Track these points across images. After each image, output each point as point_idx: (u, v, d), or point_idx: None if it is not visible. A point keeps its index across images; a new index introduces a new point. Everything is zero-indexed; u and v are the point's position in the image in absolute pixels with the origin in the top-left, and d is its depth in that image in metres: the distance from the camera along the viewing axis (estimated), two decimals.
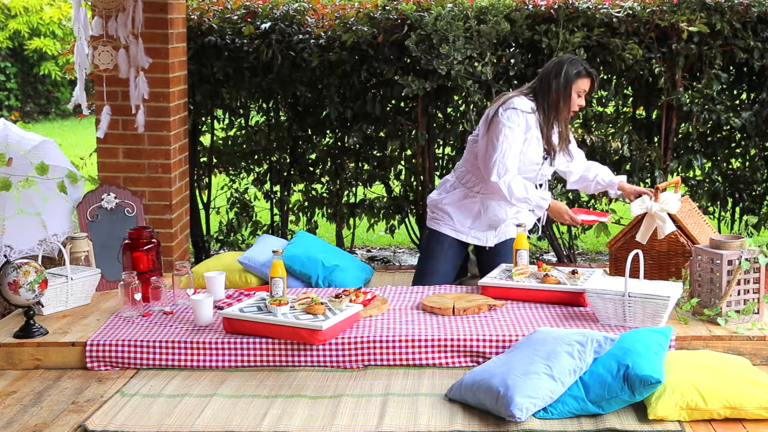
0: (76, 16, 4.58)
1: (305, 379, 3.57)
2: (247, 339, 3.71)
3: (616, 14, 5.17)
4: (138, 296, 4.04)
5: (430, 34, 5.12)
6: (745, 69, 5.42)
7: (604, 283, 3.90)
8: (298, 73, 5.51)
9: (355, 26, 5.37)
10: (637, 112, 5.64)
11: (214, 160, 5.96)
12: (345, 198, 5.94)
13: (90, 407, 3.35)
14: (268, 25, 5.45)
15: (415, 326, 3.81)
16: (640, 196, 4.37)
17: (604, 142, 5.45)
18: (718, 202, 5.67)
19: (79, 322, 4.04)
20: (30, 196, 4.48)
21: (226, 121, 5.96)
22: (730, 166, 5.69)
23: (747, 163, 5.64)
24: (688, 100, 5.25)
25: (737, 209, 5.76)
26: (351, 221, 6.04)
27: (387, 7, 5.38)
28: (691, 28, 5.08)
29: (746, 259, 3.73)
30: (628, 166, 5.46)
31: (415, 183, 5.76)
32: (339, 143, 5.80)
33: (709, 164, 5.58)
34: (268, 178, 5.97)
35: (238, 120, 5.99)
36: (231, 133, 6.02)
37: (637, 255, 3.81)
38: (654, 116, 5.57)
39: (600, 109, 5.54)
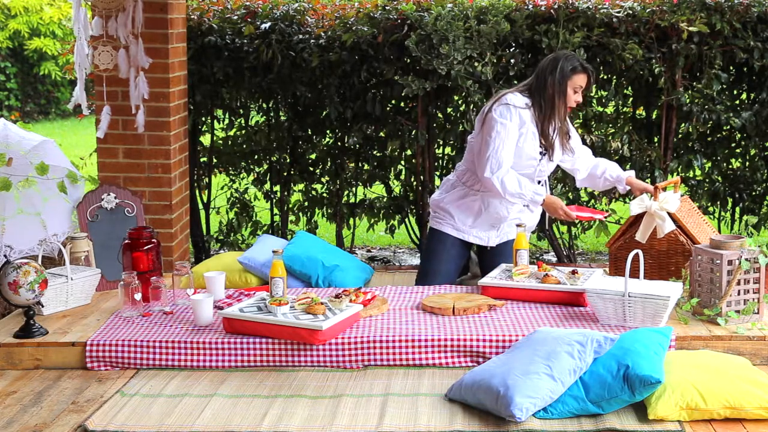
0: (76, 16, 4.59)
1: (305, 379, 3.57)
2: (247, 339, 3.71)
3: (616, 14, 5.17)
4: (138, 296, 4.04)
5: (430, 34, 5.12)
6: (745, 69, 5.42)
7: (604, 283, 3.90)
8: (298, 73, 5.51)
9: (355, 26, 5.37)
10: (637, 112, 5.64)
11: (214, 160, 5.96)
12: (345, 198, 5.94)
13: (90, 407, 3.35)
14: (268, 25, 5.45)
15: (415, 326, 3.81)
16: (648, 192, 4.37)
17: (604, 142, 5.45)
18: (718, 202, 5.68)
19: (79, 322, 4.04)
20: (30, 196, 4.48)
21: (226, 121, 5.96)
22: (730, 166, 5.69)
23: (747, 163, 5.64)
24: (688, 100, 5.25)
25: (737, 209, 5.76)
26: (351, 221, 6.04)
27: (387, 7, 5.38)
28: (691, 28, 5.08)
29: (746, 259, 3.73)
30: (628, 166, 5.45)
31: (415, 183, 5.76)
32: (339, 143, 5.80)
33: (709, 164, 5.58)
34: (268, 178, 5.97)
35: (238, 120, 5.99)
36: (231, 133, 6.02)
37: (637, 255, 3.81)
38: (654, 116, 5.57)
39: (600, 109, 5.55)
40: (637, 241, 4.25)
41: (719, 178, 5.61)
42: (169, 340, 3.74)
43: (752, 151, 5.61)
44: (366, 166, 5.84)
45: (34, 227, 4.50)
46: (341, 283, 4.57)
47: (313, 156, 5.89)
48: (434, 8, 5.16)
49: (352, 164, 5.87)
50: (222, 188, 6.13)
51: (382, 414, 3.22)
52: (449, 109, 5.69)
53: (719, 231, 5.70)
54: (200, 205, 5.98)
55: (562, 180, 5.46)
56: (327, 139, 5.88)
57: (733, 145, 5.62)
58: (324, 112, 5.64)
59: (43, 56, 13.97)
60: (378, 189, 6.08)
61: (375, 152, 5.80)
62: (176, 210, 5.08)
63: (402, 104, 5.64)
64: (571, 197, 5.58)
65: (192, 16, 5.52)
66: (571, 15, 5.19)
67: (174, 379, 3.61)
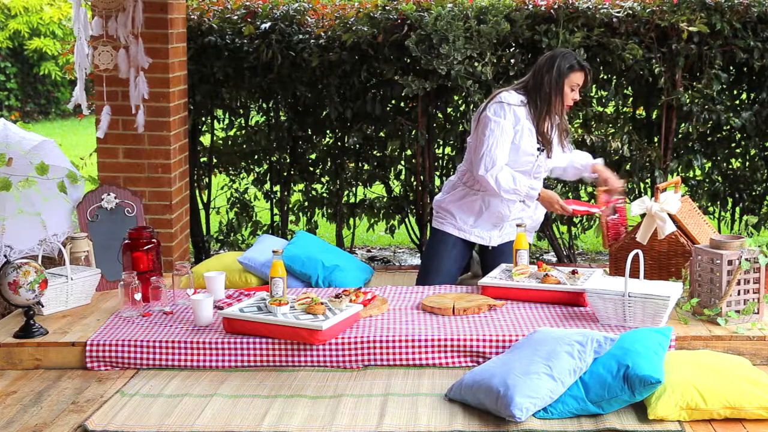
0: (76, 16, 4.59)
1: (305, 379, 3.57)
2: (247, 339, 3.71)
3: (616, 14, 5.17)
4: (138, 296, 4.04)
5: (430, 34, 5.12)
6: (745, 69, 5.42)
7: (604, 283, 3.90)
8: (298, 73, 5.51)
9: (355, 26, 5.37)
10: (637, 112, 5.64)
11: (214, 160, 5.96)
12: (345, 198, 5.94)
13: (90, 407, 3.35)
14: (268, 25, 5.45)
15: (415, 326, 3.81)
16: (609, 191, 4.48)
17: (604, 142, 5.45)
18: (718, 202, 5.67)
19: (79, 322, 4.03)
20: (30, 196, 4.47)
21: (226, 121, 5.96)
22: (730, 166, 5.69)
23: (747, 163, 5.64)
24: (688, 100, 5.25)
25: (737, 209, 5.76)
26: (351, 221, 6.04)
27: (387, 7, 5.38)
28: (691, 28, 5.08)
29: (746, 259, 3.73)
30: (628, 166, 5.46)
31: (415, 183, 5.76)
32: (339, 143, 5.80)
33: (709, 164, 5.58)
34: (268, 178, 5.97)
35: (238, 120, 5.98)
36: (231, 133, 6.01)
37: (637, 255, 3.81)
38: (654, 116, 5.56)
39: (600, 109, 5.54)
40: (637, 242, 4.25)
41: (719, 178, 5.61)
42: (169, 340, 3.74)
43: (752, 151, 5.61)
44: (366, 166, 5.84)
45: (34, 227, 4.49)
46: (341, 283, 4.57)
47: (313, 156, 5.89)
48: (434, 8, 5.16)
49: (352, 164, 5.87)
50: (222, 188, 6.13)
51: (382, 414, 3.22)
52: (449, 109, 5.69)
53: (719, 231, 5.70)
54: (200, 205, 5.98)
55: (561, 180, 5.46)
56: (327, 139, 5.87)
57: (733, 145, 5.61)
58: (324, 112, 5.64)
59: (43, 56, 13.97)
60: (378, 189, 6.08)
61: (375, 152, 5.80)
62: (176, 210, 5.08)
63: (402, 104, 5.64)
64: (570, 196, 5.58)
65: (192, 16, 5.52)
66: (571, 15, 5.19)
67: (174, 379, 3.61)
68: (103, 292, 4.49)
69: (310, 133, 5.82)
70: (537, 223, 4.68)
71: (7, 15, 13.69)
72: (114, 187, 4.67)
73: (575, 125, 5.53)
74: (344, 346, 3.68)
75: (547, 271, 4.20)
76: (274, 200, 6.00)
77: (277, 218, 6.03)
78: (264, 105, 5.88)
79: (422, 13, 5.21)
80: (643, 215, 4.26)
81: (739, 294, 3.79)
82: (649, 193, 5.58)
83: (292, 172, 5.89)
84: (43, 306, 4.08)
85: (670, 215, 4.19)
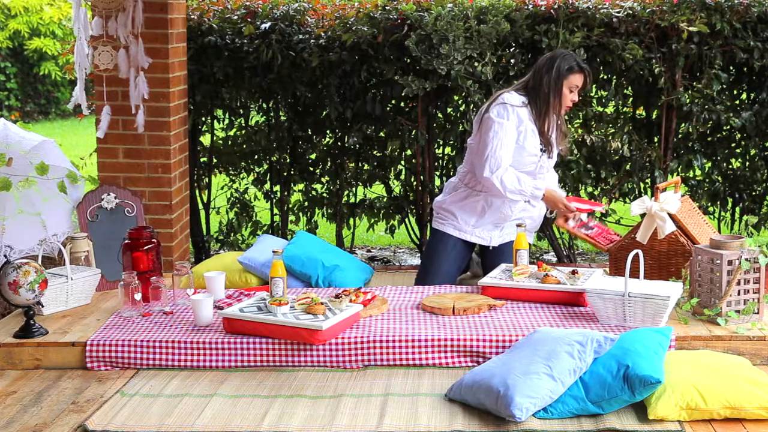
0: (76, 16, 4.59)
1: (305, 379, 3.57)
2: (247, 339, 3.71)
3: (616, 14, 5.17)
4: (138, 296, 4.04)
5: (430, 34, 5.12)
6: (745, 69, 5.42)
7: (604, 283, 3.90)
8: (298, 73, 5.51)
9: (355, 26, 5.37)
10: (637, 112, 5.64)
11: (214, 160, 5.96)
12: (345, 198, 5.94)
13: (90, 407, 3.35)
14: (268, 25, 5.45)
15: (415, 326, 3.81)
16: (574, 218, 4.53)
17: (604, 142, 5.46)
18: (718, 202, 5.67)
19: (79, 322, 4.03)
20: (30, 196, 4.47)
21: (226, 121, 5.96)
22: (730, 166, 5.69)
23: (747, 163, 5.64)
24: (688, 100, 5.25)
25: (737, 209, 5.76)
26: (351, 221, 6.04)
27: (387, 7, 5.38)
28: (691, 28, 5.08)
29: (746, 259, 3.73)
30: (628, 166, 5.47)
31: (415, 183, 5.76)
32: (339, 143, 5.80)
33: (709, 164, 5.58)
34: (268, 178, 5.97)
35: (238, 120, 5.98)
36: (231, 133, 6.01)
37: (637, 255, 3.81)
38: (654, 116, 5.56)
39: (600, 109, 5.54)
40: (637, 242, 4.25)
41: (719, 178, 5.61)
42: (169, 340, 3.74)
43: (752, 151, 5.61)
44: (366, 166, 5.84)
45: (34, 227, 4.49)
46: (341, 283, 4.57)
47: (313, 156, 5.89)
48: (434, 8, 5.16)
49: (352, 164, 5.87)
50: (222, 188, 6.13)
51: (382, 414, 3.22)
52: (449, 109, 5.69)
53: (719, 231, 5.70)
54: (200, 205, 5.98)
55: (562, 180, 5.46)
56: (327, 139, 5.87)
57: (733, 145, 5.61)
58: (324, 112, 5.64)
59: (43, 56, 13.97)
60: (378, 189, 6.08)
61: (375, 152, 5.80)
62: (176, 210, 5.08)
63: (402, 104, 5.64)
64: (570, 194, 5.58)
65: (192, 16, 5.52)
66: (571, 15, 5.19)
67: (174, 379, 3.61)
68: (103, 292, 4.49)
69: (310, 133, 5.82)
70: (537, 223, 4.68)
71: (7, 15, 13.70)
72: (114, 187, 4.67)
73: (575, 125, 5.53)
74: (344, 346, 3.68)
75: (547, 271, 4.20)
76: (274, 200, 6.00)
77: (277, 218, 6.03)
78: (264, 105, 5.88)
79: (422, 13, 5.21)
80: (643, 215, 4.26)
81: (739, 294, 3.79)
82: (649, 193, 5.58)
83: (292, 172, 5.89)
84: (43, 306, 4.08)
85: (670, 215, 4.19)
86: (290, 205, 5.99)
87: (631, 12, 5.18)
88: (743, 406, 3.12)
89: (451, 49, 5.08)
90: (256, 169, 5.99)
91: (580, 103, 5.19)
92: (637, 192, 5.59)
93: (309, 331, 3.62)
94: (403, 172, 5.87)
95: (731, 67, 5.42)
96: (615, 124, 5.54)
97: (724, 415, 3.13)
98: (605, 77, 5.44)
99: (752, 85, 5.46)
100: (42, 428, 3.18)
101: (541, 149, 4.41)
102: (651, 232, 4.23)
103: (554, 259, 5.96)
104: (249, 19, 5.52)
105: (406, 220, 5.95)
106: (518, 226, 4.35)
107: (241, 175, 6.06)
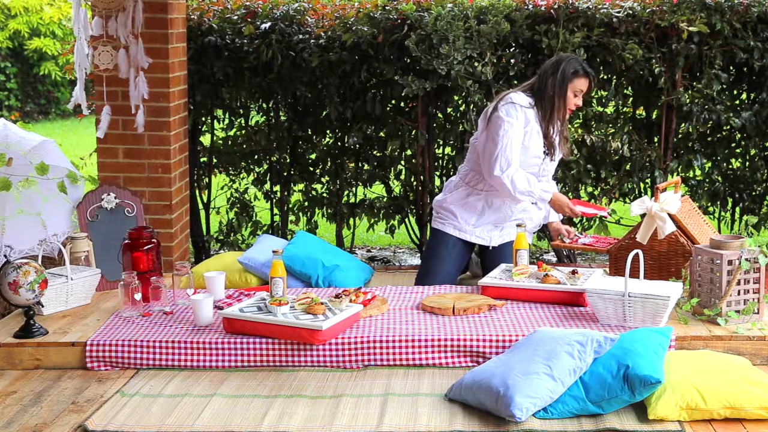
0: (76, 16, 4.59)
1: (305, 379, 3.57)
2: (247, 339, 3.71)
3: (616, 14, 5.17)
4: (138, 296, 4.04)
5: (430, 34, 5.12)
6: (745, 69, 5.42)
7: (604, 283, 3.90)
8: (298, 73, 5.51)
9: (355, 26, 5.37)
10: (637, 112, 5.64)
11: (214, 160, 5.96)
12: (345, 198, 5.94)
13: (90, 407, 3.35)
14: (268, 25, 5.45)
15: (415, 326, 3.81)
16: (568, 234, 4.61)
17: (604, 142, 5.46)
18: (718, 202, 5.67)
19: (79, 322, 4.03)
20: (30, 196, 4.47)
21: (226, 121, 5.96)
22: (730, 166, 5.69)
23: (747, 163, 5.64)
24: (688, 100, 5.25)
25: (737, 209, 5.76)
26: (351, 221, 6.04)
27: (387, 7, 5.38)
28: (691, 28, 5.08)
29: (746, 259, 3.73)
30: (628, 166, 5.47)
31: (415, 183, 5.76)
32: (339, 143, 5.80)
33: (709, 164, 5.58)
34: (268, 178, 5.97)
35: (238, 120, 5.98)
36: (231, 133, 6.02)
37: (637, 255, 3.81)
38: (654, 116, 5.57)
39: (600, 109, 5.55)
40: (637, 242, 4.25)
41: (719, 178, 5.61)
42: (169, 340, 3.74)
43: (752, 151, 5.61)
44: (366, 166, 5.84)
45: (34, 227, 4.49)
46: (341, 283, 4.57)
47: (313, 156, 5.89)
48: (434, 8, 5.16)
49: (352, 164, 5.87)
50: (222, 188, 6.13)
51: (382, 414, 3.22)
52: (449, 109, 5.69)
53: (719, 231, 5.70)
54: (200, 205, 5.98)
55: (562, 180, 5.46)
56: (327, 139, 5.88)
57: (733, 145, 5.61)
58: (324, 112, 5.64)
59: (43, 56, 13.97)
60: (378, 189, 6.08)
61: (375, 152, 5.80)
62: (176, 210, 5.08)
63: (402, 104, 5.64)
64: (571, 197, 5.58)
65: (192, 16, 5.52)
66: (571, 15, 5.19)
67: (174, 379, 3.61)
68: (103, 292, 4.49)
69: (310, 133, 5.82)
70: (537, 223, 4.69)
71: (7, 15, 13.70)
72: (114, 187, 4.67)
73: (575, 125, 5.53)
74: (344, 346, 3.68)
75: (547, 271, 4.20)
76: (274, 200, 6.00)
77: (277, 218, 6.03)
78: (264, 105, 5.88)
79: (422, 13, 5.21)
80: (643, 215, 4.26)
81: (739, 294, 3.79)
82: (649, 193, 5.58)
83: (292, 172, 5.89)
84: (43, 306, 4.08)
85: (670, 215, 4.19)
86: (290, 205, 5.99)
87: (631, 12, 5.18)
88: (743, 406, 3.12)
89: (451, 49, 5.08)
90: (256, 169, 5.99)
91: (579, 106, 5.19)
92: (637, 192, 5.59)
93: (309, 331, 3.62)
94: (403, 172, 5.87)
95: (731, 67, 5.42)
96: (615, 124, 5.54)
97: (724, 415, 3.13)
98: (605, 77, 5.44)
99: (752, 85, 5.46)
100: (42, 428, 3.18)
101: (544, 152, 4.42)
102: (651, 233, 4.23)
103: (554, 259, 5.96)
104: (249, 19, 5.52)
105: (406, 220, 5.95)
106: (518, 226, 4.35)
107: (241, 175, 6.06)
